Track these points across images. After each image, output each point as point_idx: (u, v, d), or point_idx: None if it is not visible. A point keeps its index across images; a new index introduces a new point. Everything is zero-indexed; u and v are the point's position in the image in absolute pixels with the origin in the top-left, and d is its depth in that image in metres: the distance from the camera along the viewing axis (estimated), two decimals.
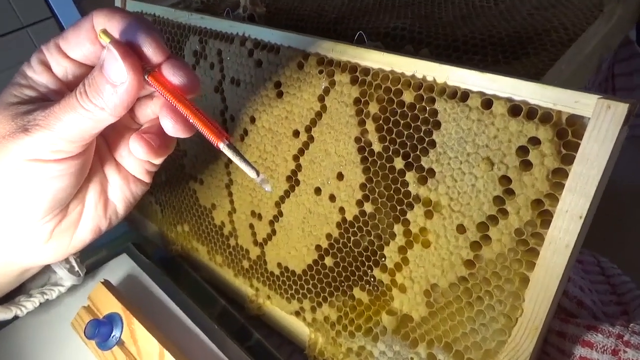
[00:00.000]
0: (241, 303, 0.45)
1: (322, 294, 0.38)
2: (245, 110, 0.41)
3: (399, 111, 0.31)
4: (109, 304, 0.36)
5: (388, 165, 0.32)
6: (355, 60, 0.33)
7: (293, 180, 0.38)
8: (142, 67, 0.27)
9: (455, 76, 0.29)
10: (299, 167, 0.38)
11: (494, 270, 0.28)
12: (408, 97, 0.31)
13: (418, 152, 0.31)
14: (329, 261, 0.37)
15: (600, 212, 0.26)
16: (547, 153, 0.25)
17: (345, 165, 0.35)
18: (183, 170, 0.48)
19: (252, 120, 0.40)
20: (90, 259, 0.46)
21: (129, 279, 0.42)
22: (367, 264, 0.35)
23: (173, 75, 0.27)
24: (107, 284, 0.39)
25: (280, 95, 0.38)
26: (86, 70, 0.30)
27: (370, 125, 0.33)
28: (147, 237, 0.55)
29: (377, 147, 0.33)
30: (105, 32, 0.28)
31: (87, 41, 0.29)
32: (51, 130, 0.27)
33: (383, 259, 0.34)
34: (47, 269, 0.39)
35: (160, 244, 0.54)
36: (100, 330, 0.35)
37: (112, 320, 0.35)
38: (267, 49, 0.38)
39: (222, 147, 0.27)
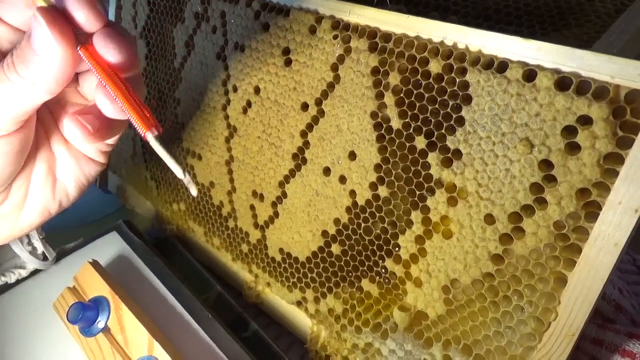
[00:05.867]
0: (238, 290, 0.42)
1: (327, 284, 0.35)
2: (249, 79, 0.37)
3: (423, 83, 0.27)
4: (96, 286, 0.33)
5: (408, 144, 0.29)
6: (375, 25, 0.29)
7: (299, 158, 0.35)
8: (76, 37, 0.23)
9: (492, 43, 0.25)
10: (306, 144, 0.34)
11: (525, 267, 0.25)
12: (435, 66, 0.27)
13: (443, 131, 0.27)
14: (336, 249, 0.34)
15: None
16: (600, 135, 0.22)
17: (359, 144, 0.31)
18: (180, 144, 0.45)
19: (257, 90, 0.37)
20: (78, 235, 0.42)
21: (118, 260, 0.39)
22: (378, 253, 0.31)
23: (104, 48, 0.24)
24: (95, 264, 0.36)
25: (288, 63, 0.34)
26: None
27: (389, 99, 0.29)
28: (141, 215, 0.52)
29: (396, 123, 0.29)
30: None
31: (22, 3, 0.24)
32: None
33: (397, 249, 0.30)
34: (6, 249, 0.35)
35: (155, 223, 0.50)
36: (85, 314, 0.31)
37: (98, 305, 0.32)
38: (275, 10, 0.34)
39: (150, 138, 0.24)
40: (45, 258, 0.37)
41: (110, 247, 0.39)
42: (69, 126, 0.25)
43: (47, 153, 0.29)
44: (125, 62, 0.24)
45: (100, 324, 0.32)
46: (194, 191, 0.25)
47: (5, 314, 0.34)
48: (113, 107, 0.24)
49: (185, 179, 0.25)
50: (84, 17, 0.23)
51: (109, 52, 0.24)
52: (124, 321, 0.30)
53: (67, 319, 0.30)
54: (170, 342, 0.30)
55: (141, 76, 0.26)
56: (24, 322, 0.34)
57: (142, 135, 0.23)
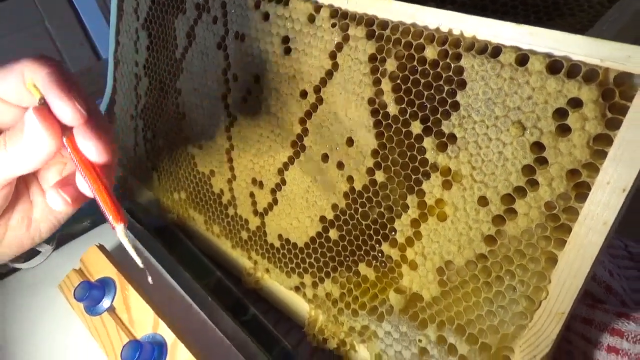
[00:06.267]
0: (238, 276, 0.43)
1: (324, 269, 0.35)
2: (249, 68, 0.38)
3: (419, 69, 0.28)
4: (102, 268, 0.34)
5: (404, 129, 0.29)
6: (373, 12, 0.30)
7: (298, 145, 0.35)
8: (62, 130, 0.27)
9: (486, 29, 0.25)
10: (305, 131, 0.35)
11: (517, 247, 0.26)
12: (431, 53, 0.27)
13: (439, 116, 0.28)
14: (333, 234, 0.34)
15: None
16: (589, 116, 0.22)
17: (357, 130, 0.32)
18: (181, 134, 0.45)
19: (257, 79, 0.37)
20: (80, 223, 0.43)
21: (120, 246, 0.39)
22: (375, 237, 0.32)
23: (81, 145, 0.27)
24: (101, 247, 0.36)
25: (287, 51, 0.35)
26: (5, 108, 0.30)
27: (386, 85, 0.30)
28: (143, 205, 0.53)
29: (392, 109, 0.30)
30: (35, 87, 0.28)
31: (15, 85, 0.28)
32: None
33: (393, 233, 0.31)
34: None
35: (156, 213, 0.51)
36: (91, 293, 0.32)
37: (104, 285, 0.32)
38: (275, 0, 0.35)
39: (118, 230, 0.27)
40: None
41: (111, 233, 0.40)
42: (51, 197, 0.29)
43: (26, 201, 0.33)
44: (99, 157, 0.27)
45: (106, 303, 0.32)
46: (150, 280, 0.29)
47: (11, 296, 0.35)
48: (90, 191, 0.28)
49: (144, 268, 0.28)
50: (64, 116, 0.27)
51: (86, 149, 0.27)
52: (130, 301, 0.30)
53: (74, 297, 0.30)
54: (175, 323, 0.31)
55: (115, 160, 0.30)
56: (30, 303, 0.34)
57: (112, 226, 0.27)
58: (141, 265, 0.28)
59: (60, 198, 0.29)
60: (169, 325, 0.28)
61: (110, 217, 0.27)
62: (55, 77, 0.27)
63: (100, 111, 0.31)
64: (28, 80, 0.28)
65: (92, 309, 0.31)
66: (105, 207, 0.27)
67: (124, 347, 0.26)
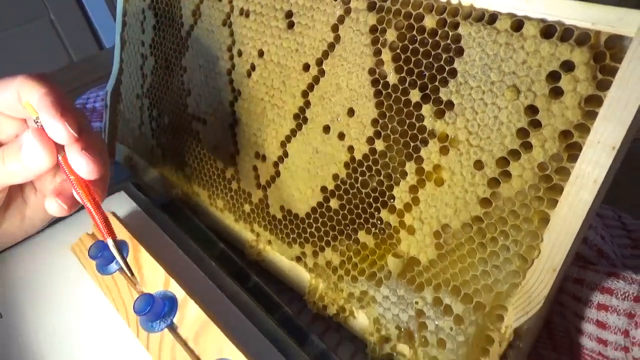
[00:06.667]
0: (241, 249, 0.44)
1: (325, 238, 0.36)
2: (253, 43, 0.38)
3: (418, 38, 0.29)
4: (116, 232, 0.35)
5: (403, 98, 0.30)
6: None
7: (300, 118, 0.36)
8: (57, 149, 0.30)
9: None
10: (307, 103, 0.36)
11: (511, 208, 0.27)
12: (429, 22, 0.28)
13: (437, 83, 0.29)
14: (334, 203, 0.35)
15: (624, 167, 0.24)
16: (581, 78, 0.23)
17: (357, 100, 0.33)
18: (186, 111, 0.46)
19: (261, 54, 0.38)
20: None
21: (128, 217, 0.40)
22: (374, 205, 0.33)
23: (72, 161, 0.30)
24: (114, 214, 0.37)
25: (291, 25, 0.36)
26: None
27: (386, 55, 0.31)
28: (148, 182, 0.54)
29: (392, 78, 0.31)
30: (30, 105, 0.30)
31: (10, 101, 0.31)
32: None
33: (392, 200, 0.32)
34: None
35: (161, 190, 0.52)
36: (105, 252, 0.33)
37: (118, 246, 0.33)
38: None
39: (110, 243, 0.30)
40: None
41: (119, 205, 0.41)
42: (49, 205, 0.31)
43: (19, 200, 0.36)
44: (89, 175, 0.30)
45: (118, 263, 0.33)
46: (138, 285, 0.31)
47: (24, 261, 0.36)
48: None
49: (135, 280, 0.31)
50: (56, 136, 0.29)
51: (77, 166, 0.30)
52: (141, 261, 0.31)
53: (88, 255, 0.31)
54: (184, 283, 0.31)
55: (107, 174, 0.33)
56: (42, 266, 0.35)
57: (104, 239, 0.30)
58: (130, 274, 0.30)
59: (57, 205, 0.31)
60: (179, 283, 0.29)
61: (103, 233, 0.30)
62: (50, 99, 0.29)
63: (92, 128, 0.33)
64: (24, 99, 0.30)
65: (104, 268, 0.32)
66: (94, 222, 0.30)
67: (136, 299, 0.27)
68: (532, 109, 0.25)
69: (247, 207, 0.42)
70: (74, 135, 0.29)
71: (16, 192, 0.35)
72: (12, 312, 0.32)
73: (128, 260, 0.30)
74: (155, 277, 0.30)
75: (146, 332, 0.27)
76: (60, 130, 0.29)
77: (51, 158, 0.30)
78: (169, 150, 0.50)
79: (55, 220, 0.39)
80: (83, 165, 0.30)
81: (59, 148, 0.30)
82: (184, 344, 0.26)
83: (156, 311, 0.27)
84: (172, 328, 0.27)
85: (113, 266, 0.33)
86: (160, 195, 0.52)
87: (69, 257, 0.35)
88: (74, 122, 0.29)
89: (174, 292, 0.28)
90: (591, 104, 0.23)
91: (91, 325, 0.31)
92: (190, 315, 0.27)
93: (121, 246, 0.31)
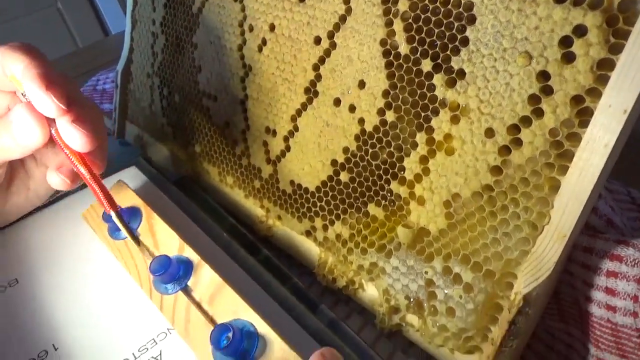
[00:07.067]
0: (250, 225, 0.44)
1: (335, 212, 0.37)
2: (265, 17, 0.39)
3: (430, 7, 0.29)
4: (128, 199, 0.35)
5: (415, 68, 0.30)
6: None
7: (311, 91, 0.37)
8: (50, 123, 0.29)
9: None
10: (318, 77, 0.36)
11: (522, 176, 0.27)
12: None
13: (448, 52, 0.29)
14: (344, 176, 0.36)
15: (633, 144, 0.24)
16: (593, 42, 0.23)
17: (368, 72, 0.33)
18: (197, 87, 0.46)
19: (272, 28, 0.38)
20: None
21: (140, 190, 0.41)
22: (384, 177, 0.33)
23: (63, 135, 0.29)
24: (124, 183, 0.37)
25: None
26: None
27: (398, 25, 0.31)
28: (158, 161, 0.54)
29: (404, 49, 0.31)
30: (16, 78, 0.29)
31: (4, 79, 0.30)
32: None
33: (402, 172, 0.32)
34: None
35: (171, 168, 0.53)
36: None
37: (130, 212, 0.33)
38: None
39: (113, 215, 0.30)
40: None
41: (131, 179, 0.42)
42: (51, 179, 0.31)
43: (22, 173, 0.36)
44: (82, 147, 0.29)
45: (131, 228, 0.33)
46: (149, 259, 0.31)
47: (38, 230, 0.37)
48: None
49: (141, 247, 0.31)
50: (46, 110, 0.28)
51: (69, 139, 0.29)
52: (155, 228, 0.31)
53: (102, 219, 0.32)
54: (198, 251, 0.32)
55: (105, 145, 0.32)
56: (56, 234, 0.36)
57: (107, 211, 0.30)
58: (136, 243, 0.30)
59: (59, 179, 0.31)
60: (193, 248, 0.29)
61: (105, 205, 0.30)
62: (34, 71, 0.27)
63: (83, 97, 0.32)
64: (8, 72, 0.29)
65: (115, 233, 0.33)
66: (100, 195, 0.30)
67: (152, 261, 0.27)
68: (543, 75, 0.25)
69: (257, 183, 0.43)
70: (62, 108, 0.28)
71: (18, 165, 0.36)
72: (28, 278, 0.32)
73: (141, 226, 0.31)
74: (169, 242, 0.30)
75: (160, 294, 0.28)
76: (47, 103, 0.27)
77: (43, 133, 0.29)
78: (179, 128, 0.50)
79: (69, 192, 0.40)
80: (75, 138, 0.28)
81: (51, 121, 0.29)
82: (198, 305, 0.26)
83: (172, 273, 0.27)
84: (186, 291, 0.27)
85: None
86: (170, 174, 0.52)
87: (83, 225, 0.35)
88: (61, 94, 0.28)
89: (189, 256, 0.29)
90: (603, 68, 0.23)
91: (104, 288, 0.31)
92: (205, 278, 0.27)
93: (134, 213, 0.31)
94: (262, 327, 0.24)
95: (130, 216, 0.32)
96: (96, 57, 1.01)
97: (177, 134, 0.51)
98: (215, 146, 0.46)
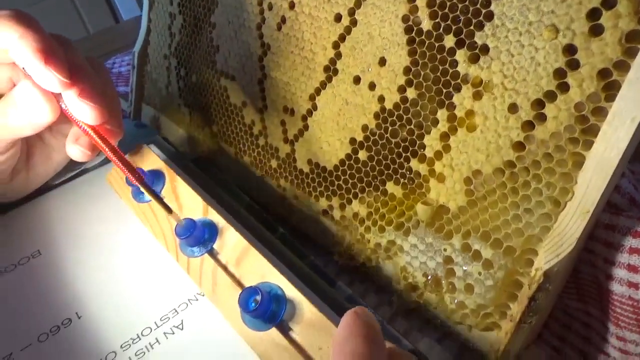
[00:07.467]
0: (267, 205, 0.44)
1: (352, 190, 0.37)
2: None
3: None
4: (151, 163, 0.35)
5: (437, 44, 0.30)
6: None
7: (331, 70, 0.37)
8: (58, 97, 0.27)
9: None
10: (338, 55, 0.36)
11: (545, 151, 0.27)
12: None
13: (472, 27, 0.28)
14: (362, 155, 0.36)
15: None
16: (623, 13, 0.23)
17: (390, 49, 0.33)
18: (214, 67, 0.47)
19: (292, 5, 0.38)
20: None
21: (166, 151, 0.41)
22: (404, 155, 0.33)
23: (72, 110, 0.27)
24: (148, 146, 0.37)
25: None
26: None
27: (420, 1, 0.30)
28: (174, 142, 0.54)
29: (426, 25, 0.30)
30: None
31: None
32: None
33: (422, 149, 0.32)
34: None
35: (187, 149, 0.53)
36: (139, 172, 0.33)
37: (154, 175, 0.33)
38: None
39: (140, 185, 0.29)
40: None
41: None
42: (72, 152, 0.31)
43: (40, 144, 0.35)
44: (92, 120, 0.28)
45: (155, 191, 0.33)
46: (175, 222, 0.30)
47: (62, 201, 0.37)
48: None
49: (173, 215, 0.30)
50: (47, 85, 0.26)
51: (77, 113, 0.27)
52: (179, 191, 0.32)
53: (126, 181, 0.32)
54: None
55: (118, 111, 0.31)
56: (78, 207, 0.36)
57: (132, 181, 0.29)
58: (168, 212, 0.29)
59: (78, 151, 0.31)
60: (218, 212, 0.29)
61: (129, 177, 0.29)
62: (29, 43, 0.24)
63: (87, 63, 0.29)
64: (1, 45, 0.26)
65: (140, 195, 0.33)
66: (123, 168, 0.29)
67: (178, 223, 0.27)
68: (570, 49, 0.25)
69: (274, 163, 0.43)
70: (64, 82, 0.26)
71: (34, 138, 0.35)
72: (50, 249, 0.33)
73: (165, 190, 0.31)
74: (193, 206, 0.30)
75: (186, 257, 0.28)
76: (49, 79, 0.25)
77: (52, 109, 0.27)
78: (196, 109, 0.50)
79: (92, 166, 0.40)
80: (85, 113, 0.27)
81: (59, 95, 0.27)
82: (225, 268, 0.27)
83: (197, 235, 0.27)
84: (212, 254, 0.28)
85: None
86: (186, 155, 0.53)
87: (105, 198, 0.36)
88: (62, 66, 0.25)
89: (214, 219, 0.29)
90: (632, 41, 0.23)
91: (128, 256, 0.31)
92: (231, 241, 0.27)
93: (157, 176, 0.31)
94: (290, 290, 0.24)
95: (153, 178, 0.32)
96: (108, 42, 1.02)
97: (194, 114, 0.51)
98: (232, 126, 0.46)
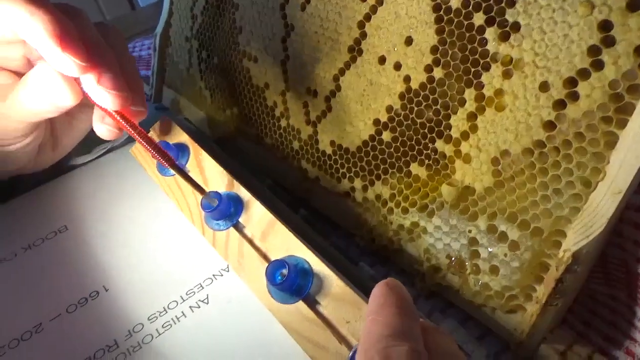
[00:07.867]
0: (288, 187, 0.44)
1: (375, 172, 0.37)
2: None
3: None
4: (175, 135, 0.35)
5: (466, 22, 0.30)
6: None
7: (355, 50, 0.36)
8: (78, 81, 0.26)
9: None
10: (363, 35, 0.36)
11: (577, 130, 0.26)
12: None
13: (503, 4, 0.28)
14: (386, 136, 0.35)
15: None
16: None
17: (417, 28, 0.32)
18: (237, 49, 0.46)
19: None
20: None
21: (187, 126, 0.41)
22: (429, 136, 0.33)
23: (92, 96, 0.26)
24: (172, 120, 0.37)
25: None
26: None
27: None
28: (194, 124, 0.55)
29: (455, 2, 0.30)
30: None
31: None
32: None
33: (448, 130, 0.32)
34: None
35: (207, 132, 0.53)
36: (168, 151, 0.33)
37: (179, 148, 0.33)
38: None
39: (174, 171, 0.29)
40: None
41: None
42: (100, 131, 0.30)
43: (63, 117, 0.34)
44: (113, 105, 0.27)
45: (180, 164, 0.33)
46: (208, 209, 0.29)
47: (88, 177, 0.37)
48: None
49: (204, 198, 0.29)
50: (64, 70, 0.25)
51: (97, 98, 0.26)
52: (204, 164, 0.32)
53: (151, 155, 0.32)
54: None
55: (140, 90, 0.30)
56: (104, 183, 0.37)
57: (167, 167, 0.29)
58: (204, 193, 0.29)
59: (107, 130, 0.30)
60: (243, 185, 0.29)
61: (164, 164, 0.29)
62: (41, 26, 0.22)
63: (102, 42, 0.27)
64: (8, 27, 0.24)
65: (165, 169, 0.33)
66: (142, 146, 0.29)
67: (204, 197, 0.28)
68: (605, 25, 0.25)
69: (295, 144, 0.43)
70: (82, 65, 0.24)
71: (61, 120, 0.35)
72: (77, 224, 0.33)
73: (189, 163, 0.31)
74: (219, 179, 0.30)
75: (212, 230, 0.28)
76: (66, 63, 0.24)
77: (74, 93, 0.26)
78: (217, 91, 0.50)
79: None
80: (105, 99, 0.26)
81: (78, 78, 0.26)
82: (250, 242, 0.27)
83: (223, 209, 0.27)
84: (238, 227, 0.28)
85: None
86: (207, 136, 0.53)
87: (131, 170, 0.36)
88: (79, 50, 0.23)
89: (239, 193, 0.29)
90: None
91: (154, 230, 0.32)
92: (256, 215, 0.27)
93: (181, 149, 0.31)
94: (317, 264, 0.24)
95: (178, 151, 0.32)
96: (128, 27, 1.02)
97: (215, 96, 0.51)
98: (254, 108, 0.46)
